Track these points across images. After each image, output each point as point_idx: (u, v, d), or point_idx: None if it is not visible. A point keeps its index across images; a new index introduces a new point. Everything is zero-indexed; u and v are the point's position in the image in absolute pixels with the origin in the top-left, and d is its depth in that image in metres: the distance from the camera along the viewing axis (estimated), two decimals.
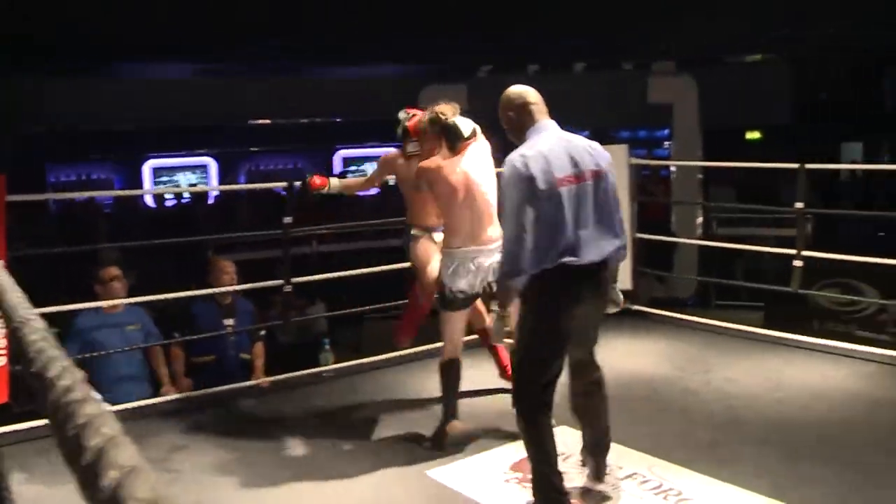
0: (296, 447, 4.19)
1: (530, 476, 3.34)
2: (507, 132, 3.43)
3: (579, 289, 3.24)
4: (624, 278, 6.36)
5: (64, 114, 11.87)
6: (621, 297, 3.53)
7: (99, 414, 0.57)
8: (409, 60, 10.51)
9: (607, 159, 3.33)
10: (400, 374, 5.36)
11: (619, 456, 3.78)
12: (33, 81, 11.31)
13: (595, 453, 3.56)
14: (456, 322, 4.18)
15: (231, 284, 5.43)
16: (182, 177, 14.74)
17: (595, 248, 3.22)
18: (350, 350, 6.39)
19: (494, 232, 3.99)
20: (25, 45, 8.14)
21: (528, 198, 3.12)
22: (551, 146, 3.21)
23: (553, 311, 3.22)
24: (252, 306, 5.76)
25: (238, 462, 3.99)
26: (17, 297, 1.06)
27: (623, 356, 5.45)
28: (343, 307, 5.78)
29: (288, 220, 5.14)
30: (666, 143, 14.77)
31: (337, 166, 15.27)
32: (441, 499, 3.61)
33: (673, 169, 11.10)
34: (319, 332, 6.52)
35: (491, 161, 4.17)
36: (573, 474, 3.66)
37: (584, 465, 3.63)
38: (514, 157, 3.19)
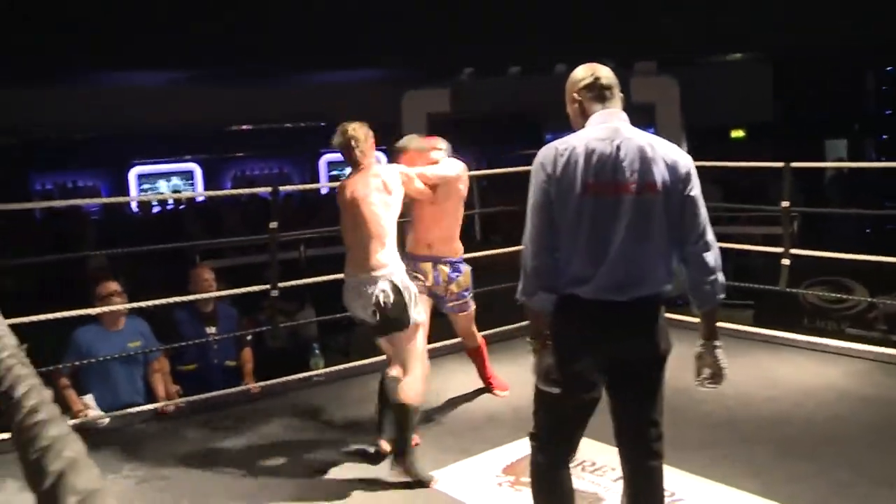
0: (287, 452, 4.15)
1: (524, 479, 3.29)
2: (570, 118, 2.77)
3: (593, 331, 2.57)
4: None
5: (48, 122, 11.82)
6: (723, 363, 2.72)
7: (63, 436, 0.54)
8: (391, 64, 10.50)
9: (680, 172, 2.58)
10: None
11: (611, 457, 3.76)
12: (17, 90, 11.24)
13: None
14: (385, 349, 4.14)
15: (210, 292, 5.40)
16: (165, 183, 14.69)
17: (620, 283, 2.53)
18: (340, 355, 6.37)
19: (383, 257, 3.80)
20: (9, 53, 8.08)
21: (544, 197, 2.58)
22: (596, 142, 2.56)
23: (559, 355, 2.61)
24: (236, 312, 5.73)
25: (229, 468, 3.96)
26: None
27: None
28: (333, 312, 5.74)
29: (274, 224, 5.11)
30: None
31: (322, 170, 15.24)
32: (434, 502, 3.58)
33: None
34: (310, 336, 6.49)
35: (392, 182, 3.90)
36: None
37: None
38: (543, 148, 2.64)
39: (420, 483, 3.69)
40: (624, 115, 2.68)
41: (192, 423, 4.66)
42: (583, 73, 2.73)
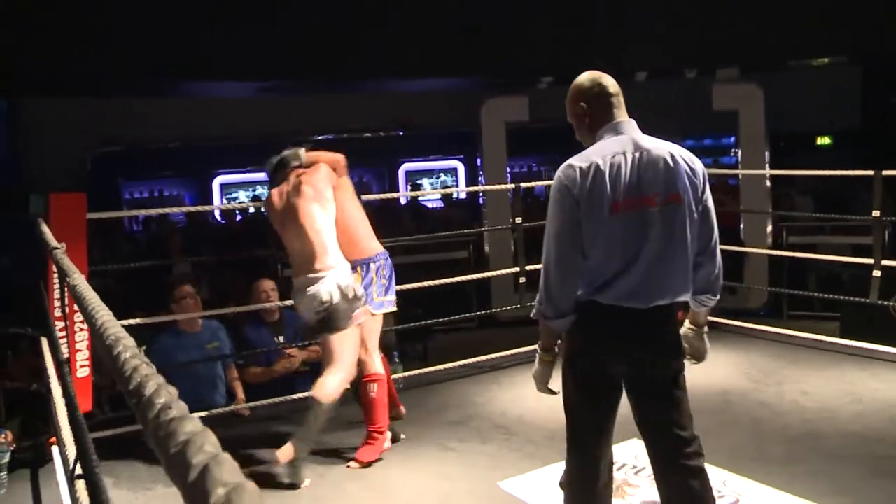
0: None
1: None
2: (575, 130, 2.74)
3: (615, 337, 2.59)
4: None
5: (136, 132, 12.23)
6: (707, 346, 2.94)
7: (199, 431, 0.58)
8: (471, 72, 10.54)
9: (697, 179, 2.60)
10: (468, 386, 5.37)
11: None
12: (106, 102, 11.67)
13: None
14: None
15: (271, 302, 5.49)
16: (245, 193, 15.02)
17: (645, 292, 2.55)
18: (418, 361, 6.43)
19: (328, 260, 3.92)
20: (98, 64, 8.40)
21: (572, 222, 2.52)
22: (615, 156, 2.53)
23: (578, 361, 2.64)
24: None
25: (308, 469, 4.01)
26: (105, 314, 1.09)
27: (693, 368, 5.35)
28: (411, 320, 5.82)
29: None
30: (732, 150, 14.53)
31: (401, 180, 15.38)
32: None
33: (741, 177, 10.93)
34: (388, 344, 6.56)
35: (308, 189, 4.02)
36: (644, 488, 3.62)
37: None
38: (562, 168, 2.57)
39: (292, 485, 3.82)
40: (635, 124, 2.66)
41: (271, 424, 4.76)
42: (588, 82, 2.69)
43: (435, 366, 5.75)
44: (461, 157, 14.85)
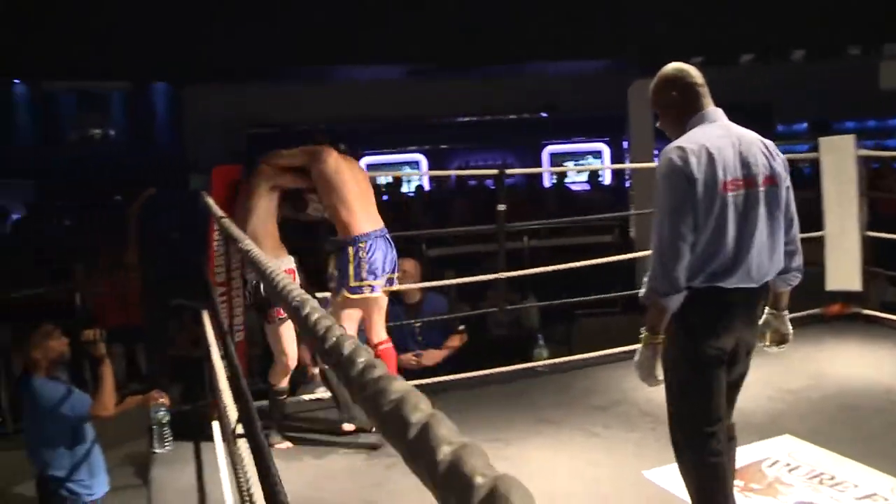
0: (507, 441, 4.22)
1: (754, 486, 3.18)
2: (661, 120, 2.86)
3: (731, 318, 2.71)
4: (853, 279, 5.95)
5: (289, 114, 12.68)
6: (790, 329, 3.00)
7: (410, 390, 0.59)
8: (618, 54, 10.35)
9: (784, 164, 2.78)
10: (614, 371, 5.28)
11: (854, 473, 3.53)
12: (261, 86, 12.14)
13: None
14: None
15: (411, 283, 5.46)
16: (390, 174, 15.31)
17: (756, 271, 2.69)
18: (561, 346, 6.38)
19: None
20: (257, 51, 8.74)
21: (686, 201, 2.61)
22: (718, 140, 2.66)
23: (697, 343, 2.70)
24: (446, 302, 5.81)
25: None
26: (284, 277, 1.13)
27: (852, 365, 5.10)
28: (555, 304, 5.78)
29: (501, 207, 5.20)
30: None
31: (545, 162, 15.30)
32: (657, 501, 3.51)
33: None
34: (531, 327, 6.55)
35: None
36: (799, 487, 3.47)
37: None
38: (671, 149, 2.67)
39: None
40: (722, 112, 2.79)
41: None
42: (679, 72, 2.81)
43: (580, 352, 5.69)
44: (606, 139, 14.64)
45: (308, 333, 0.85)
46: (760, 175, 2.68)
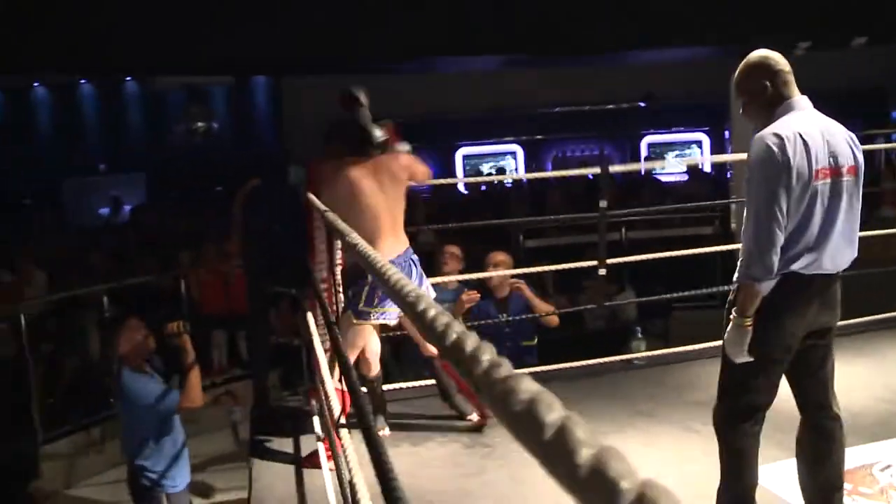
0: (603, 434, 4.19)
1: (863, 489, 3.09)
2: (746, 108, 2.91)
3: (808, 304, 2.78)
4: None
5: (384, 106, 12.81)
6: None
7: (541, 390, 0.59)
8: (717, 41, 10.06)
9: (862, 155, 2.83)
10: (711, 366, 5.14)
11: None
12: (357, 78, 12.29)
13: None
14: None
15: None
16: (487, 165, 15.30)
17: (838, 257, 2.78)
18: (658, 339, 6.29)
19: None
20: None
21: (782, 186, 2.66)
22: (809, 129, 2.71)
23: (773, 329, 2.77)
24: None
25: None
26: (395, 271, 1.15)
27: None
28: (652, 295, 5.68)
29: (603, 203, 5.12)
30: None
31: (644, 152, 15.05)
32: (761, 499, 3.43)
33: None
34: (628, 319, 6.48)
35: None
36: None
37: None
38: (767, 136, 2.70)
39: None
40: (808, 100, 2.82)
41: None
42: (768, 60, 2.82)
43: (677, 345, 5.59)
44: (706, 129, 14.28)
45: (426, 330, 0.86)
46: (845, 165, 2.74)
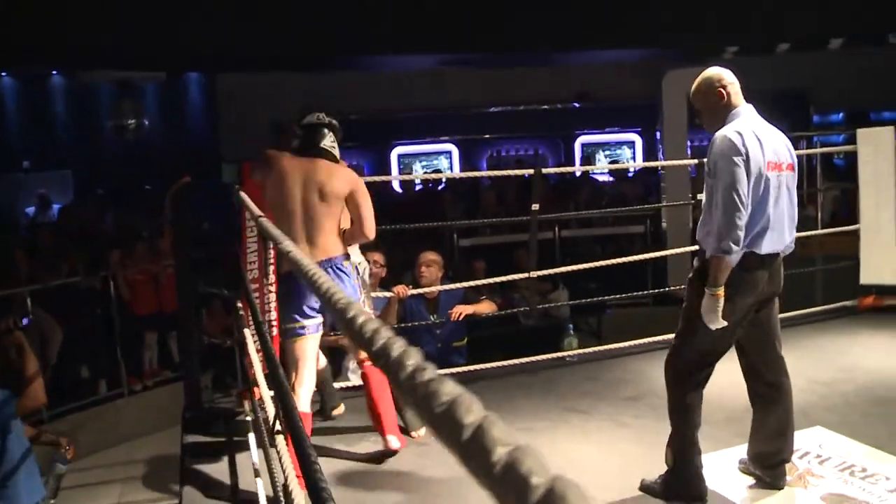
0: (537, 431, 4.24)
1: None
2: (704, 117, 3.36)
3: (761, 278, 3.23)
4: (887, 273, 5.91)
5: (320, 104, 12.71)
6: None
7: (462, 393, 0.61)
8: (651, 44, 10.24)
9: (795, 154, 3.33)
10: (642, 362, 5.28)
11: (886, 465, 3.53)
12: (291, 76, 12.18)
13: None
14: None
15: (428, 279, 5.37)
16: (419, 164, 15.30)
17: (786, 238, 3.25)
18: (592, 337, 6.38)
19: None
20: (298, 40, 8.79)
21: (744, 173, 3.09)
22: (758, 129, 3.19)
23: (737, 298, 3.18)
24: (461, 292, 5.59)
25: None
26: (325, 278, 1.15)
27: (885, 357, 5.09)
28: (585, 294, 5.77)
29: (535, 206, 5.17)
30: None
31: (577, 152, 15.23)
32: None
33: None
34: (561, 317, 6.56)
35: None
36: (829, 479, 3.46)
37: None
38: (728, 132, 3.15)
39: None
40: (754, 110, 3.28)
41: None
42: (724, 73, 3.30)
43: (609, 342, 5.69)
44: (639, 129, 14.53)
45: (355, 337, 0.86)
46: (785, 162, 3.22)
